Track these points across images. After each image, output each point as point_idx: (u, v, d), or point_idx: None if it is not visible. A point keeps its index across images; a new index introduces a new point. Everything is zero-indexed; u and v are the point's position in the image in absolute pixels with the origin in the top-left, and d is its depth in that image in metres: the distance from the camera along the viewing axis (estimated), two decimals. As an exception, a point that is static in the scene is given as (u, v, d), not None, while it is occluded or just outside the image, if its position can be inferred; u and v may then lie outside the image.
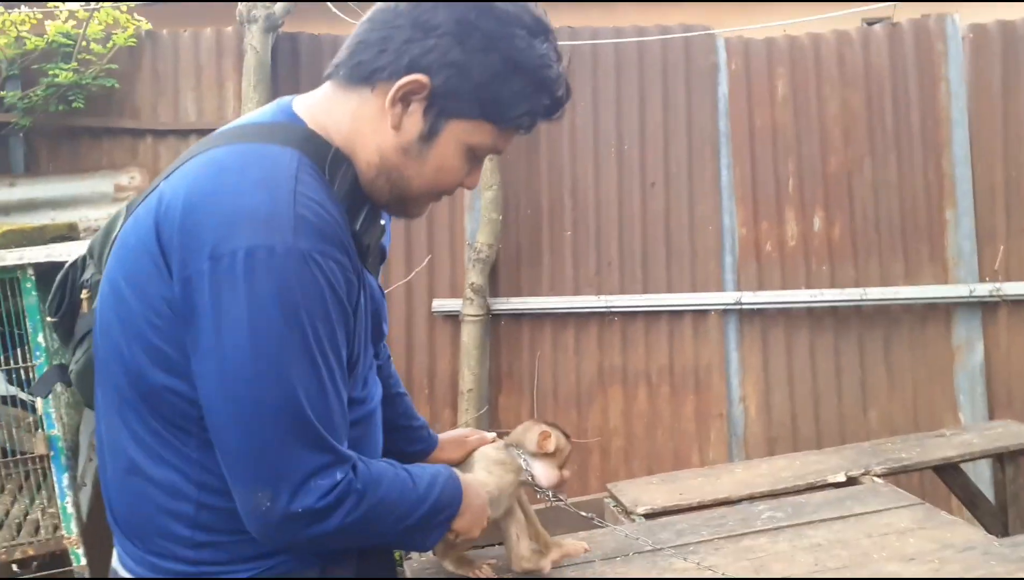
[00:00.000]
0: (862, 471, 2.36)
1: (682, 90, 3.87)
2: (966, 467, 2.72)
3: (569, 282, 3.83)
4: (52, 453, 2.62)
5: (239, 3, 3.68)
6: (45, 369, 2.56)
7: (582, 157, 3.86)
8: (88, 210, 3.25)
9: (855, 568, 1.61)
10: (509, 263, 3.83)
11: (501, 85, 1.11)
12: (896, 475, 2.41)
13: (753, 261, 3.81)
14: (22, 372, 2.66)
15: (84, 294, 1.23)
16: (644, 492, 2.31)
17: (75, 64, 3.60)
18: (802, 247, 3.82)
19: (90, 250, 1.26)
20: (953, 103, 3.81)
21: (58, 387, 2.64)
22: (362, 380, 1.22)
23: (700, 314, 3.80)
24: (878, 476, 2.33)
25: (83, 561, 2.63)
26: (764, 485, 2.32)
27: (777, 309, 3.78)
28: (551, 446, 1.48)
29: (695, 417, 3.79)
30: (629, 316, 3.81)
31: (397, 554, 1.53)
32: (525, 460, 1.49)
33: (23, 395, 2.75)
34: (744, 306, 3.76)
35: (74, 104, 3.60)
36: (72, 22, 3.66)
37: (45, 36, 3.61)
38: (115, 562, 1.21)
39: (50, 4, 3.66)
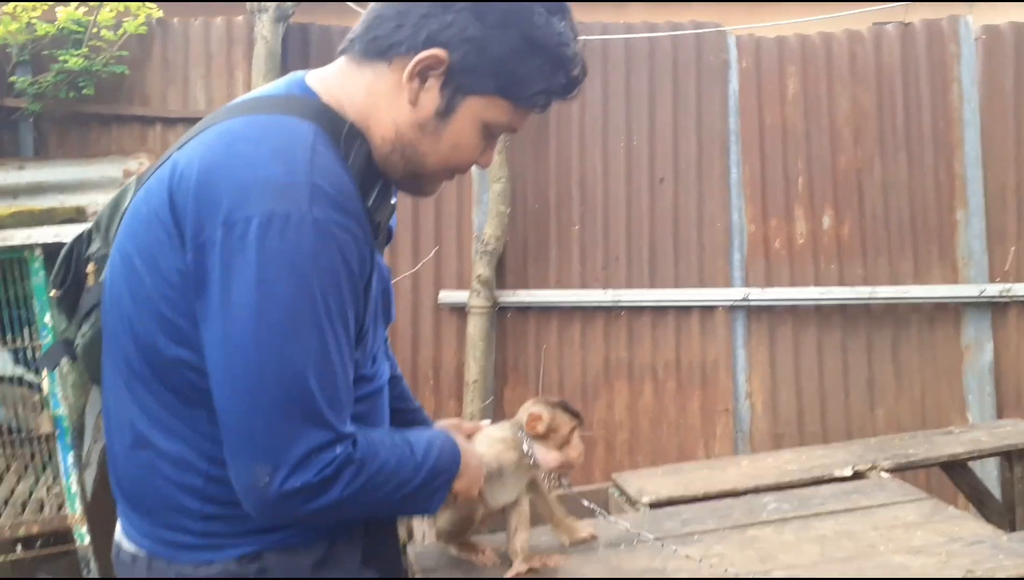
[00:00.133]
0: (869, 466, 2.34)
1: (692, 87, 3.86)
2: (973, 465, 2.70)
3: (576, 276, 3.82)
4: (57, 432, 2.63)
5: (250, -7, 3.68)
6: (51, 344, 2.56)
7: (591, 152, 3.85)
8: (96, 194, 3.25)
9: (861, 559, 1.60)
10: (516, 256, 3.82)
11: (519, 62, 1.11)
12: (903, 471, 2.39)
13: (762, 258, 3.80)
14: (29, 352, 2.67)
15: (90, 268, 1.23)
16: (649, 482, 2.30)
17: (85, 50, 3.61)
18: (811, 245, 3.80)
19: (96, 224, 1.26)
20: (965, 104, 3.79)
21: (64, 368, 2.65)
22: (371, 358, 1.21)
23: (707, 310, 3.79)
24: (885, 471, 2.32)
25: (87, 540, 2.63)
26: (770, 478, 2.31)
27: (785, 306, 3.77)
28: (540, 427, 1.42)
29: (701, 412, 3.78)
30: (636, 311, 3.79)
31: (401, 540, 1.52)
32: (527, 441, 1.44)
33: (29, 376, 2.76)
34: (752, 303, 3.75)
35: (84, 90, 3.61)
36: (83, 9, 3.66)
37: (56, 22, 3.61)
38: (119, 535, 1.21)
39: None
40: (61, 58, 3.56)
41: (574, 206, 3.84)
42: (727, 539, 1.72)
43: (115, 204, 1.22)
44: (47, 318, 2.57)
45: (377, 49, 1.12)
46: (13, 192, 3.36)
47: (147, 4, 3.75)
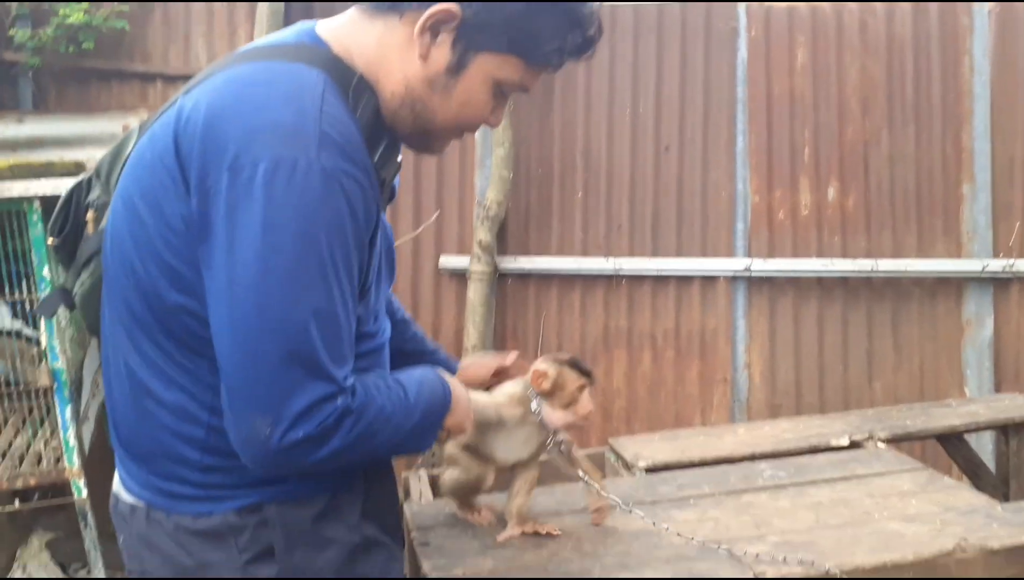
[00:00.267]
0: (866, 436, 2.35)
1: (700, 54, 3.81)
2: (969, 438, 2.71)
3: (578, 243, 3.80)
4: (55, 386, 2.63)
5: (254, -53, 3.62)
6: (49, 292, 2.55)
7: (596, 118, 3.81)
8: (96, 150, 3.22)
9: (856, 526, 1.60)
10: (518, 222, 3.80)
11: (533, 19, 1.09)
12: (899, 442, 2.40)
13: (765, 229, 3.78)
14: (27, 305, 2.66)
15: (90, 215, 1.21)
16: (645, 448, 2.30)
17: (86, 5, 3.56)
18: (815, 216, 3.78)
19: (97, 170, 1.24)
20: (976, 77, 3.75)
21: (62, 322, 2.64)
22: (373, 314, 1.20)
23: (709, 280, 3.78)
24: (882, 441, 2.33)
25: (84, 493, 2.65)
26: (767, 445, 2.32)
27: (786, 278, 3.76)
28: (545, 384, 1.40)
29: (699, 381, 3.79)
30: (637, 280, 3.78)
31: (400, 500, 1.52)
32: (537, 399, 1.42)
33: (28, 330, 2.76)
34: (754, 273, 3.74)
35: (84, 45, 3.56)
36: (85, -38, 3.61)
37: (56, -25, 3.57)
38: (117, 486, 1.20)
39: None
40: (61, 12, 3.51)
41: (578, 173, 3.81)
42: (722, 504, 1.73)
43: (116, 152, 1.21)
44: (45, 271, 2.56)
45: (389, 1, 1.10)
46: (12, 145, 3.33)
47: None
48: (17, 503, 2.64)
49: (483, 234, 3.66)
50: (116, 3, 3.64)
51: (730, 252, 3.79)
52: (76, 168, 2.79)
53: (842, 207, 3.78)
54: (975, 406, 2.75)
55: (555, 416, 1.42)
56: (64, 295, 1.26)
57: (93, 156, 3.15)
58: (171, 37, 3.78)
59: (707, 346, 3.79)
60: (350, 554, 1.16)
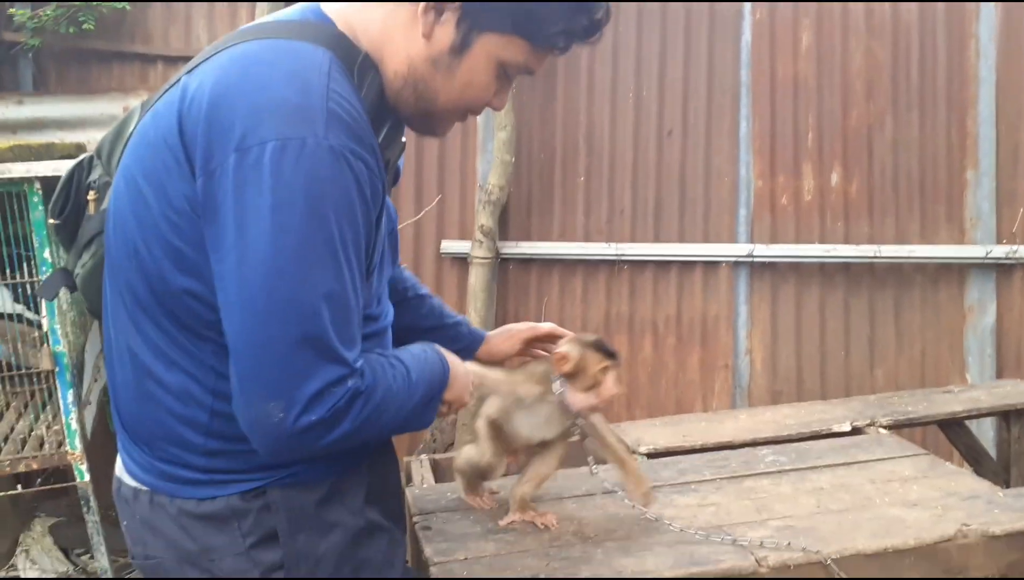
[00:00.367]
0: (867, 422, 2.35)
1: (704, 37, 3.79)
2: (970, 425, 2.71)
3: (580, 229, 3.79)
4: (57, 369, 2.63)
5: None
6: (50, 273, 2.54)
7: (599, 101, 3.79)
8: (96, 132, 3.21)
9: (857, 511, 1.61)
10: (520, 207, 3.79)
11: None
12: (901, 428, 2.40)
13: (767, 214, 3.77)
14: (28, 288, 2.66)
15: (91, 196, 1.20)
16: (647, 433, 2.31)
17: (86, -16, 3.53)
18: (818, 202, 3.77)
19: (98, 150, 1.23)
20: (982, 61, 3.72)
21: (64, 305, 2.64)
22: (376, 297, 1.20)
23: (711, 265, 3.77)
24: (883, 427, 2.33)
25: (86, 477, 2.65)
26: (768, 431, 2.32)
27: (789, 263, 3.75)
28: (567, 366, 1.38)
29: (700, 368, 3.79)
30: (639, 265, 3.77)
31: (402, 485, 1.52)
32: (560, 380, 1.40)
33: (29, 313, 2.75)
34: (756, 259, 3.73)
35: (84, 25, 3.53)
36: (84, -59, 3.57)
37: (56, -46, 3.53)
38: (120, 471, 1.20)
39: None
40: (61, -8, 3.48)
41: (580, 157, 3.79)
42: (723, 489, 1.73)
43: (118, 131, 1.20)
44: (47, 253, 2.55)
45: None
46: (12, 127, 3.32)
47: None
48: (19, 487, 2.63)
49: (485, 219, 3.65)
50: (116, -16, 3.61)
51: (732, 237, 3.78)
52: (77, 150, 2.77)
53: (845, 192, 3.76)
54: (977, 392, 2.75)
55: (577, 398, 1.40)
56: (65, 276, 1.25)
57: (93, 138, 3.14)
58: (172, 18, 3.75)
59: (709, 332, 3.79)
60: (353, 538, 1.16)
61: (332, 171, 0.97)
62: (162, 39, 3.74)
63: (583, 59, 3.74)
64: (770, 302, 3.78)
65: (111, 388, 1.19)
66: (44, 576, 3.01)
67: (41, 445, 2.67)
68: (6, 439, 2.67)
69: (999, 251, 3.65)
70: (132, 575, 2.93)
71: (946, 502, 1.63)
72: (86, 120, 3.36)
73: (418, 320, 1.44)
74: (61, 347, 2.62)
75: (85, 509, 2.71)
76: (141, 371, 1.10)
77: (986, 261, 3.66)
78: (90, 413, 2.82)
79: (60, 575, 3.05)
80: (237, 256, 0.97)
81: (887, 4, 3.74)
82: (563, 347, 1.40)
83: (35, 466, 2.61)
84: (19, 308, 2.76)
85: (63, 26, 3.52)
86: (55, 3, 3.47)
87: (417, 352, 1.19)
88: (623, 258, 3.75)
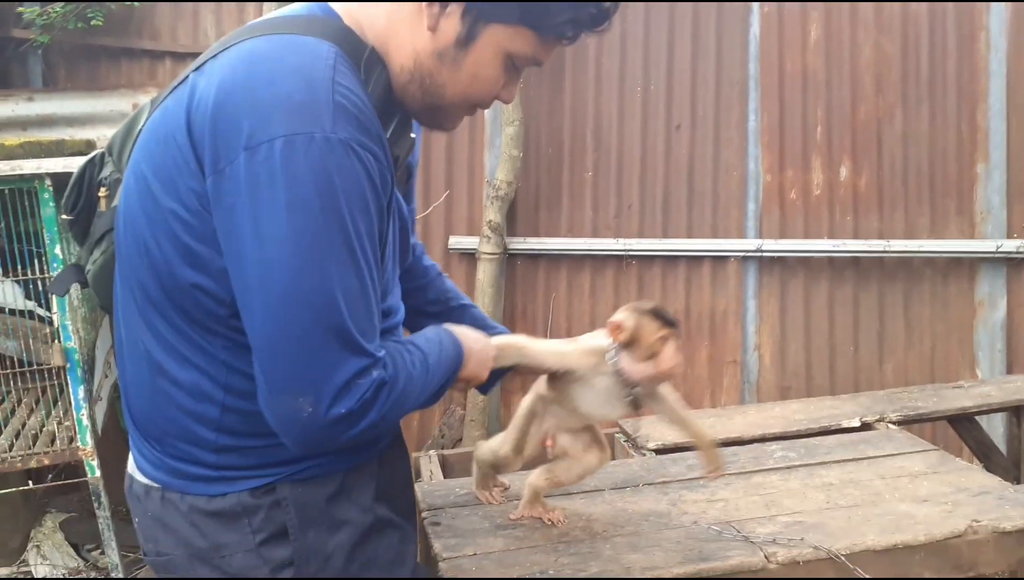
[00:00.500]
0: (877, 418, 2.35)
1: (712, 30, 3.77)
2: (980, 421, 2.70)
3: (588, 224, 3.79)
4: (68, 365, 2.64)
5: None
6: (62, 269, 2.55)
7: (606, 96, 3.78)
8: (105, 128, 3.23)
9: (867, 507, 1.60)
10: (528, 202, 3.79)
11: None
12: (911, 424, 2.39)
13: (776, 209, 3.76)
14: (39, 284, 2.67)
15: (102, 192, 1.21)
16: (655, 429, 2.30)
17: (94, -18, 3.55)
18: (827, 196, 3.75)
19: (109, 147, 1.23)
20: (992, 54, 3.69)
21: (75, 301, 2.65)
22: (388, 290, 1.20)
23: (719, 260, 3.76)
24: (893, 423, 2.32)
25: (97, 472, 2.67)
26: (777, 427, 2.31)
27: (798, 258, 3.74)
28: (622, 335, 1.29)
29: (708, 363, 3.79)
30: (647, 260, 3.77)
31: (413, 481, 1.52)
32: (616, 350, 1.31)
33: (40, 310, 2.77)
34: (765, 254, 3.72)
35: (93, 22, 3.55)
36: (93, -62, 3.59)
37: (64, -49, 3.54)
38: (131, 467, 1.20)
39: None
40: (69, -11, 3.50)
41: (588, 152, 3.79)
42: (732, 485, 1.73)
43: (128, 128, 1.20)
44: (58, 249, 2.57)
45: None
46: (23, 123, 3.34)
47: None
48: (31, 483, 2.65)
49: (493, 214, 3.65)
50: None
51: (741, 232, 3.77)
52: (87, 146, 2.78)
53: (854, 186, 3.74)
54: (987, 388, 2.73)
55: (635, 369, 1.31)
56: (77, 272, 1.25)
57: (103, 134, 3.16)
58: (179, 14, 3.76)
59: (717, 327, 3.78)
60: (363, 535, 1.17)
61: (342, 164, 0.97)
62: (170, 35, 3.76)
63: (591, 53, 3.73)
64: (779, 297, 3.77)
65: (122, 384, 1.20)
66: (55, 572, 3.03)
67: (52, 441, 2.69)
68: (17, 435, 2.69)
69: (1010, 245, 3.62)
70: (143, 571, 2.95)
71: (956, 498, 1.63)
72: (95, 116, 3.37)
73: (430, 305, 1.44)
74: (72, 343, 2.63)
75: (96, 505, 2.72)
76: (152, 367, 1.10)
77: (996, 255, 3.64)
78: (101, 409, 2.83)
79: (71, 571, 3.06)
80: (255, 255, 0.97)
81: (897, -3, 3.72)
82: (618, 315, 1.31)
83: (46, 462, 2.63)
84: (30, 304, 2.77)
85: (72, 23, 3.54)
86: (64, 0, 3.49)
87: (431, 336, 1.20)
88: (631, 253, 3.74)
